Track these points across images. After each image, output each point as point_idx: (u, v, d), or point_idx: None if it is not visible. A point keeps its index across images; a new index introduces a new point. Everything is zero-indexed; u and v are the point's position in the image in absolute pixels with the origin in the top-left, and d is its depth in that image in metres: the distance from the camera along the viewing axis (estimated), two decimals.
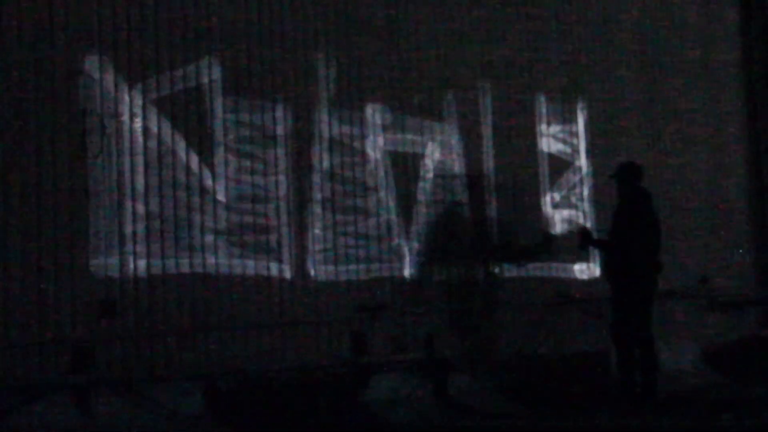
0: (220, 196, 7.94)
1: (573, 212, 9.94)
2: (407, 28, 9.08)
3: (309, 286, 8.29)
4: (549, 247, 9.59)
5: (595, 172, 10.03)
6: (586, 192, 10.06)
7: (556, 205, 9.85)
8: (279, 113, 8.29)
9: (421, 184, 9.04)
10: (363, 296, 8.51)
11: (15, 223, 7.03)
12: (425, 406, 8.29)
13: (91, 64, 7.42)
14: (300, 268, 8.26)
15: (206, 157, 7.89)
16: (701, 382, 9.61)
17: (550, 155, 9.90)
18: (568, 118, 10.08)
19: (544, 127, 9.88)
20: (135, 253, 7.49)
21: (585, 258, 9.77)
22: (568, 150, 10.05)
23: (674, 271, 10.38)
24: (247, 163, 8.10)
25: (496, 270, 9.33)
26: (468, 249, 9.25)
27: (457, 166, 9.26)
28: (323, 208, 8.43)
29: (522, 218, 9.60)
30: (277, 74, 8.30)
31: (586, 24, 10.29)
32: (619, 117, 10.44)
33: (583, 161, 10.10)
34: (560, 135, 10.00)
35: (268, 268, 8.11)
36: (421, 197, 9.01)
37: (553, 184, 9.86)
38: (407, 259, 8.84)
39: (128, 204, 7.50)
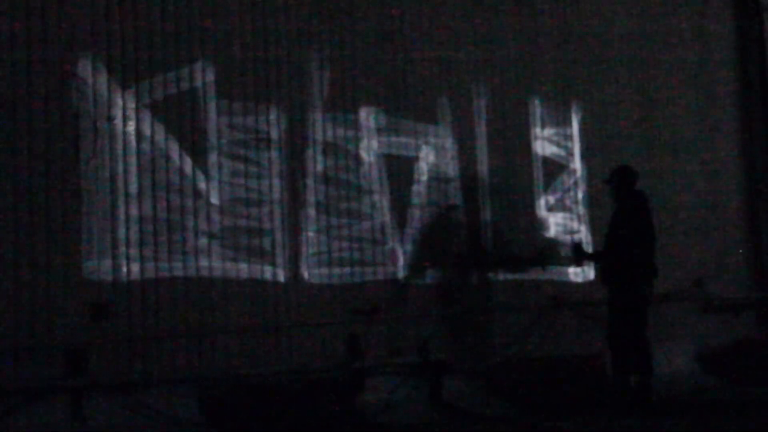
0: (214, 199, 7.93)
1: (568, 215, 9.95)
2: (401, 32, 9.08)
3: (303, 290, 8.27)
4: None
5: (590, 174, 10.04)
6: (580, 195, 10.07)
7: (550, 208, 9.85)
8: (273, 116, 8.29)
9: (415, 187, 9.03)
10: (357, 299, 8.49)
11: (7, 226, 7.01)
12: (420, 410, 8.28)
13: (84, 66, 7.40)
14: (294, 271, 8.25)
15: (200, 160, 7.88)
16: (696, 384, 9.61)
17: (545, 158, 9.90)
18: (562, 121, 10.08)
19: (538, 130, 9.89)
20: (128, 257, 7.48)
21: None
22: (563, 153, 10.05)
23: (669, 274, 10.38)
24: (241, 166, 8.09)
25: (491, 273, 9.33)
26: (462, 252, 9.24)
27: (452, 169, 9.26)
28: (317, 211, 8.42)
29: (516, 221, 9.60)
30: (270, 77, 8.30)
31: (581, 27, 10.30)
32: (614, 120, 10.45)
33: (577, 164, 10.11)
34: (555, 138, 10.00)
35: (262, 272, 8.10)
36: (415, 200, 9.00)
37: (548, 187, 9.86)
38: (401, 262, 8.83)
39: (121, 207, 7.48)
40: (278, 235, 8.20)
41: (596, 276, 8.80)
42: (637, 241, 8.31)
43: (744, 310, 11.14)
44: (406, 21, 9.11)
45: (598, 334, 8.74)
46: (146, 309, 7.51)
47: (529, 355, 9.26)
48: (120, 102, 7.55)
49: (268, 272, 8.13)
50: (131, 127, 7.58)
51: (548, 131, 9.95)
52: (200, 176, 7.87)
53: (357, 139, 8.73)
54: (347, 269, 8.50)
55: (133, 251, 7.50)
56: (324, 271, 8.39)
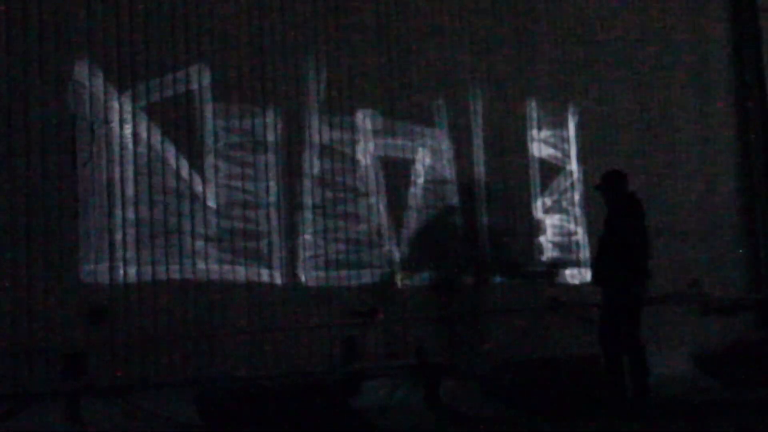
0: (211, 203, 7.93)
1: (564, 217, 9.94)
2: (398, 34, 9.08)
3: (300, 292, 8.28)
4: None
5: (587, 176, 10.03)
6: (577, 197, 10.06)
7: (547, 210, 9.84)
8: (269, 119, 8.29)
9: (412, 189, 9.03)
10: (354, 302, 8.49)
11: (5, 229, 7.01)
12: (417, 412, 8.27)
13: (81, 70, 7.41)
14: (291, 273, 8.25)
15: (196, 163, 7.88)
16: (693, 386, 9.60)
17: (541, 160, 9.90)
18: (559, 123, 10.08)
19: (535, 131, 9.88)
20: (125, 260, 7.48)
21: (576, 263, 9.77)
22: (560, 155, 10.05)
23: (665, 275, 10.40)
24: (238, 169, 8.10)
25: (487, 275, 9.33)
26: (459, 254, 9.24)
27: (448, 171, 9.26)
28: (314, 214, 8.42)
29: (513, 223, 9.60)
30: (267, 80, 8.30)
31: (577, 29, 10.30)
32: (610, 121, 10.44)
33: (574, 166, 10.10)
34: (551, 140, 10.00)
35: (259, 274, 8.10)
36: (412, 203, 9.00)
37: (545, 189, 9.86)
38: (398, 264, 8.83)
39: (118, 210, 7.49)
40: (275, 238, 8.21)
41: (591, 278, 8.77)
42: (630, 244, 8.30)
43: (742, 311, 11.14)
44: (403, 23, 9.11)
45: (596, 336, 8.73)
46: (143, 312, 7.51)
47: (527, 357, 9.26)
48: (116, 105, 7.55)
49: (265, 275, 8.13)
50: (128, 130, 7.59)
51: (545, 133, 9.95)
52: (197, 179, 7.87)
53: (354, 142, 8.73)
54: (344, 272, 8.50)
55: (131, 254, 7.51)
56: (321, 273, 8.40)
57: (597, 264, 8.65)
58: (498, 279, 9.41)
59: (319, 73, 8.57)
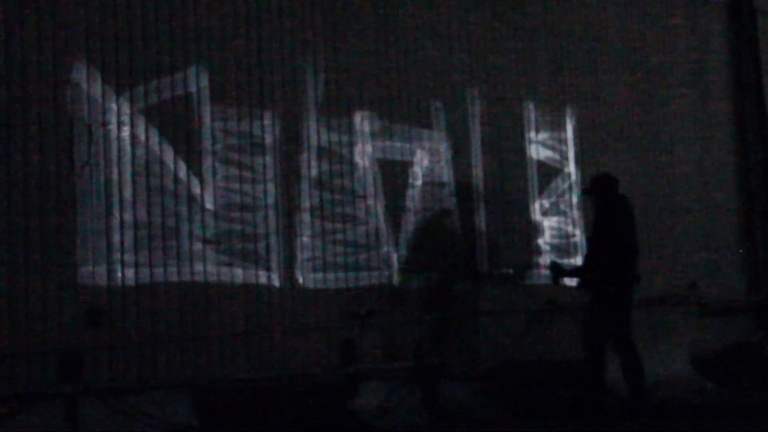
0: (208, 205, 7.93)
1: (562, 219, 9.96)
2: (396, 36, 9.09)
3: (297, 294, 8.27)
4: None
5: (584, 179, 10.04)
6: (575, 199, 10.08)
7: (545, 213, 9.86)
8: (267, 121, 8.29)
9: (409, 191, 9.03)
10: (351, 304, 8.49)
11: (2, 231, 7.01)
12: (414, 414, 8.27)
13: (79, 72, 7.41)
14: (288, 275, 8.25)
15: (194, 165, 7.88)
16: (691, 388, 9.61)
17: (539, 162, 9.92)
18: (556, 125, 10.10)
19: (532, 134, 9.90)
20: (123, 262, 7.48)
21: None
22: (557, 157, 10.06)
23: (663, 277, 10.41)
24: (235, 171, 8.10)
25: (485, 278, 9.33)
26: (457, 256, 9.25)
27: (446, 173, 9.27)
28: (312, 216, 8.42)
29: (511, 225, 9.60)
30: (265, 82, 8.30)
31: (574, 31, 10.32)
32: (608, 123, 10.47)
33: (572, 168, 10.12)
34: (549, 142, 10.02)
35: (257, 276, 8.10)
36: (409, 205, 9.01)
37: (542, 191, 9.87)
38: (396, 266, 8.83)
39: (116, 212, 7.48)
40: (273, 240, 8.21)
41: (578, 282, 8.72)
42: (620, 247, 8.26)
43: (739, 313, 11.16)
44: (400, 26, 9.12)
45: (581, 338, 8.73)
46: (141, 314, 7.51)
47: (525, 359, 9.26)
48: (114, 107, 7.55)
49: (262, 277, 8.13)
50: (126, 132, 7.58)
51: (542, 135, 9.97)
52: (195, 181, 7.87)
53: (351, 144, 8.74)
54: (342, 274, 8.50)
55: (128, 256, 7.50)
56: (318, 275, 8.40)
57: (585, 268, 8.63)
58: (495, 281, 9.42)
59: (316, 76, 8.57)
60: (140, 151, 7.64)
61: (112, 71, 7.55)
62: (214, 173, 7.97)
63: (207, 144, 7.96)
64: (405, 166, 9.04)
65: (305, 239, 8.37)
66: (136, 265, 7.53)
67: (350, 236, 8.61)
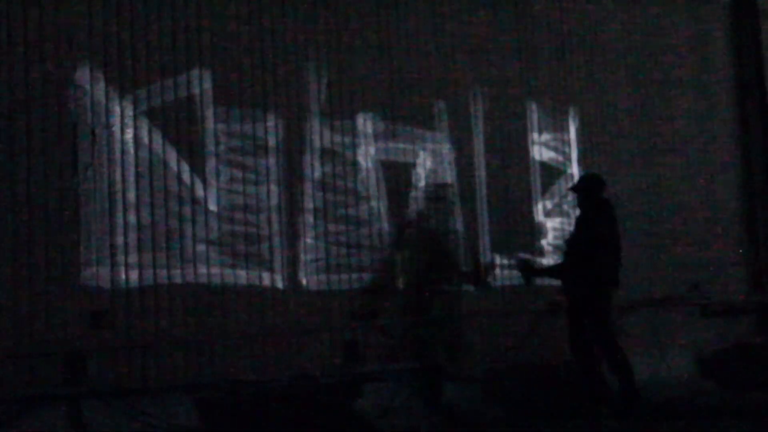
0: (212, 206, 7.94)
1: (565, 220, 9.95)
2: (399, 37, 9.09)
3: (301, 296, 8.28)
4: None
5: None
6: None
7: (548, 214, 9.86)
8: (270, 123, 8.30)
9: (413, 192, 9.04)
10: (355, 305, 8.50)
11: (6, 233, 7.02)
12: (418, 415, 8.29)
13: (82, 74, 7.41)
14: (292, 277, 8.26)
15: (197, 167, 7.89)
16: (694, 388, 9.61)
17: (542, 163, 9.92)
18: (559, 126, 10.10)
19: (535, 135, 9.90)
20: (126, 264, 7.48)
21: None
22: (560, 158, 10.06)
23: (666, 278, 10.41)
24: (239, 173, 8.10)
25: (488, 278, 9.33)
26: (459, 258, 9.25)
27: (449, 174, 9.27)
28: (315, 218, 8.43)
29: (514, 226, 9.60)
30: (268, 83, 8.31)
31: (578, 32, 10.32)
32: (611, 124, 10.47)
33: (574, 169, 10.12)
34: (552, 143, 10.02)
35: (260, 278, 8.11)
36: (413, 206, 9.01)
37: (545, 192, 9.87)
38: (399, 268, 8.83)
39: (120, 214, 7.49)
40: (276, 242, 8.22)
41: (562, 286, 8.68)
42: (600, 250, 8.21)
43: (742, 314, 11.16)
44: (403, 27, 9.12)
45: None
46: (145, 316, 7.52)
47: (528, 360, 9.26)
48: (118, 109, 7.56)
49: (266, 278, 8.14)
50: (129, 134, 7.59)
51: (545, 136, 9.97)
52: (198, 183, 7.88)
53: (354, 145, 8.74)
54: (345, 275, 8.51)
55: (132, 258, 7.51)
56: (322, 277, 8.40)
57: (561, 269, 8.57)
58: (498, 282, 9.41)
59: (319, 77, 8.58)
60: (143, 153, 7.65)
61: (115, 73, 7.56)
62: (218, 175, 7.98)
63: (210, 146, 7.96)
64: (408, 168, 9.05)
65: (308, 240, 8.38)
66: (140, 266, 7.54)
67: (353, 237, 8.61)
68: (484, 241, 9.40)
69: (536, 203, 9.79)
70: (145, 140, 7.66)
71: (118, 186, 7.50)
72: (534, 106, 9.91)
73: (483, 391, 8.87)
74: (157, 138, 7.72)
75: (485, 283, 9.31)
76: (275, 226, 8.22)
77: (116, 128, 7.55)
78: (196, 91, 7.93)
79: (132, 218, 7.53)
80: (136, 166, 7.59)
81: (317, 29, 8.61)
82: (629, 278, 10.10)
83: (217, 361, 7.80)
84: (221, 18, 8.10)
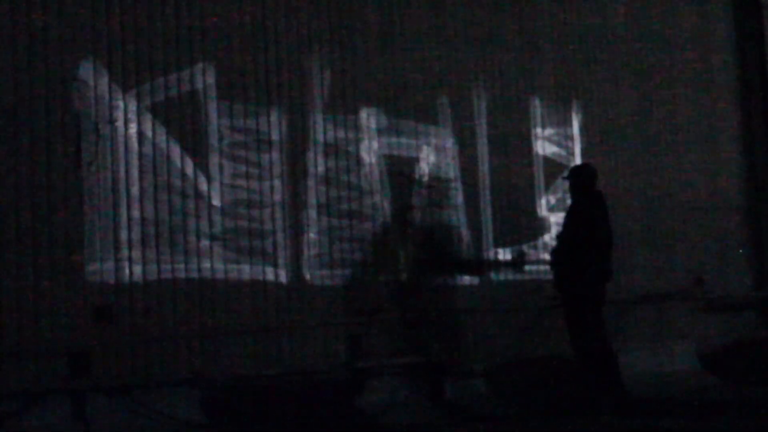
0: (215, 201, 7.95)
1: None
2: (401, 32, 9.09)
3: (304, 291, 8.28)
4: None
5: None
6: None
7: (551, 208, 9.85)
8: (273, 118, 8.30)
9: (416, 187, 9.04)
10: (358, 300, 8.50)
11: (10, 229, 7.03)
12: (421, 410, 8.29)
13: (86, 69, 7.42)
14: (295, 272, 8.26)
15: (201, 161, 7.89)
16: (697, 384, 9.61)
17: (546, 158, 9.91)
18: (563, 121, 10.09)
19: (539, 129, 9.90)
20: (130, 259, 7.49)
21: None
22: (564, 153, 10.06)
23: (669, 273, 10.41)
24: (242, 168, 8.11)
25: (492, 274, 9.33)
26: (463, 252, 9.26)
27: (452, 169, 9.27)
28: (318, 213, 8.43)
29: (518, 221, 9.60)
30: (271, 78, 8.31)
31: (581, 27, 10.31)
32: (614, 119, 10.46)
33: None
34: (555, 138, 10.01)
35: (264, 273, 8.11)
36: (416, 201, 9.01)
37: (549, 187, 9.87)
38: (402, 263, 8.83)
39: (123, 209, 7.50)
40: (279, 237, 8.22)
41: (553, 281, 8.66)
42: (591, 242, 8.18)
43: (745, 309, 11.16)
44: (406, 21, 9.11)
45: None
46: (149, 311, 7.52)
47: (530, 355, 9.27)
48: (121, 104, 7.56)
49: (269, 273, 8.14)
50: (132, 129, 7.60)
51: (549, 131, 9.97)
52: (201, 178, 7.89)
53: (357, 140, 8.74)
54: (348, 270, 8.52)
55: (136, 253, 7.52)
56: (325, 272, 8.40)
57: (555, 262, 8.52)
58: (500, 277, 9.41)
59: (323, 72, 8.58)
60: (147, 149, 7.65)
61: (119, 69, 7.56)
62: (221, 170, 7.99)
63: (214, 141, 7.97)
64: (411, 162, 9.05)
65: (312, 236, 8.39)
66: (144, 261, 7.55)
67: (357, 232, 8.61)
68: (488, 235, 9.39)
69: (539, 198, 9.79)
70: (149, 135, 7.66)
71: (122, 181, 7.50)
72: (537, 101, 9.90)
73: (486, 386, 8.88)
74: (161, 133, 7.72)
75: (488, 277, 9.31)
76: (279, 222, 8.23)
77: (120, 123, 7.55)
78: (200, 86, 7.93)
79: (136, 213, 7.54)
80: (140, 161, 7.60)
81: (320, 24, 8.60)
82: (633, 273, 10.14)
83: (220, 357, 7.80)
84: (224, 13, 8.09)
